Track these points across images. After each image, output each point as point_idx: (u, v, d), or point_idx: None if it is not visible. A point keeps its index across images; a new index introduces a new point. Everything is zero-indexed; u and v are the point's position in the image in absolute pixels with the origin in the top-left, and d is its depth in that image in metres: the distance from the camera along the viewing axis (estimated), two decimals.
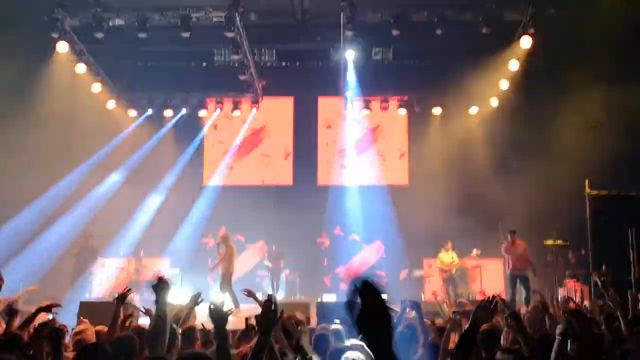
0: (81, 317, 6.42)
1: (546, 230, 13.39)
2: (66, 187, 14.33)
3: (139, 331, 4.62)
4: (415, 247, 15.28)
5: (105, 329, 5.30)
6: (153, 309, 3.84)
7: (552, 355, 3.91)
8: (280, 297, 14.08)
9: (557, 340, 3.97)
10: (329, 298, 12.89)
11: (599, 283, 11.23)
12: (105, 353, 3.35)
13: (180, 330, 4.77)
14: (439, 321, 6.33)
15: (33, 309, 6.06)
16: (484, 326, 4.47)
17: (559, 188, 13.74)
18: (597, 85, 12.55)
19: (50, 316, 5.10)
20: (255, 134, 17.33)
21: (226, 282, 12.23)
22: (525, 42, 13.06)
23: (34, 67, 13.01)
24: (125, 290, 5.33)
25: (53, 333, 3.75)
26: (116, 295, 5.28)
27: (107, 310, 6.21)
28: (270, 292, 12.88)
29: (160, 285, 3.68)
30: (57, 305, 4.90)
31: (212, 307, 3.29)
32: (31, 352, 3.82)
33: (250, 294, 6.22)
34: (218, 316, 3.24)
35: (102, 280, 14.39)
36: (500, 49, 13.98)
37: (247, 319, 4.66)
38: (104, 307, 7.91)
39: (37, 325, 4.05)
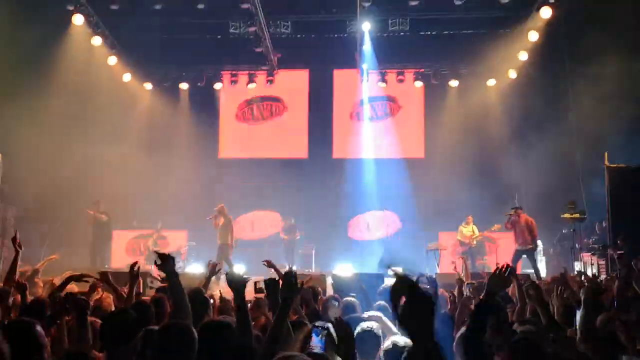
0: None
1: (563, 203, 13.30)
2: (81, 158, 14.43)
3: (158, 300, 4.67)
4: (431, 221, 15.28)
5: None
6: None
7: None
8: (295, 269, 14.19)
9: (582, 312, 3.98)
10: (344, 271, 12.95)
11: (615, 257, 11.24)
12: (131, 318, 3.40)
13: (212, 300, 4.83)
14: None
15: (52, 278, 6.18)
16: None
17: (576, 160, 13.65)
18: (617, 55, 12.33)
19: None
20: (271, 107, 17.29)
21: (223, 253, 12.45)
22: (545, 12, 12.84)
23: (51, 39, 13.04)
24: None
25: (79, 304, 3.77)
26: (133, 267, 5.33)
27: (126, 280, 6.31)
28: (285, 265, 13.04)
29: (163, 262, 3.59)
30: (89, 276, 4.91)
31: (228, 274, 3.35)
32: (56, 321, 3.85)
33: (270, 264, 6.26)
34: (236, 282, 3.30)
35: (121, 251, 14.62)
36: (519, 20, 13.76)
37: (255, 283, 4.70)
38: (123, 277, 8.01)
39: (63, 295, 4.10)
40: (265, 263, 6.43)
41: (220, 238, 12.80)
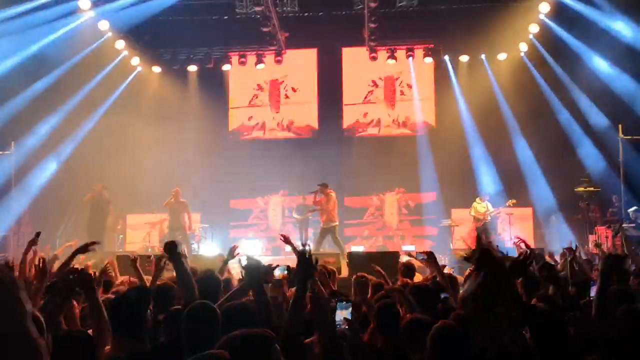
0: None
1: (577, 175, 13.25)
2: (93, 144, 14.48)
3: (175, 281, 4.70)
4: (443, 198, 15.29)
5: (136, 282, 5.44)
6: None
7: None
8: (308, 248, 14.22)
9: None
10: (358, 248, 13.00)
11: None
12: (148, 297, 3.41)
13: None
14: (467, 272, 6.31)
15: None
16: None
17: (590, 133, 13.54)
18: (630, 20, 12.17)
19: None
20: (280, 86, 17.20)
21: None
22: None
23: (57, 22, 13.00)
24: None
25: (83, 279, 3.45)
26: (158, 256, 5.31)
27: (142, 264, 6.36)
28: (299, 245, 13.07)
29: (172, 251, 3.77)
30: (96, 243, 4.61)
31: (247, 259, 3.38)
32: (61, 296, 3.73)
33: (286, 240, 6.20)
34: (254, 266, 3.33)
35: (136, 235, 14.71)
36: None
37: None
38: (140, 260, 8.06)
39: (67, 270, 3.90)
40: (281, 238, 6.36)
41: (176, 221, 13.12)
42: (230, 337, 2.37)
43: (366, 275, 5.51)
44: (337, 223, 12.12)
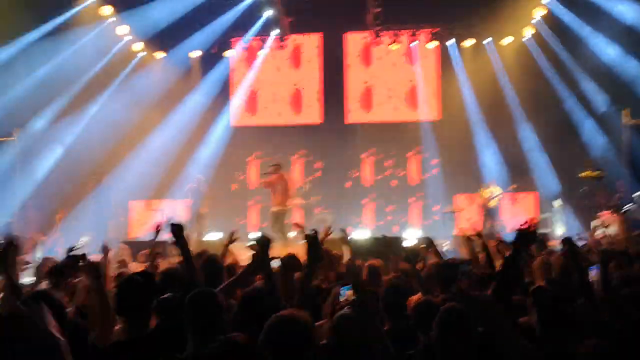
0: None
1: (581, 161, 13.21)
2: (95, 129, 14.48)
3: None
4: (446, 183, 15.27)
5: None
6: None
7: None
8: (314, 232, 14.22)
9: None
10: (362, 234, 13.01)
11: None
12: (140, 284, 3.42)
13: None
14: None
15: None
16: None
17: (595, 118, 13.47)
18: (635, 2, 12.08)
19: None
20: (283, 72, 17.11)
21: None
22: None
23: (60, 9, 12.96)
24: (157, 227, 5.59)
25: (90, 265, 3.48)
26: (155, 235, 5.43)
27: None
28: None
29: (177, 231, 3.77)
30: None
31: (256, 237, 3.44)
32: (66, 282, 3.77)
33: (298, 226, 6.40)
34: (262, 243, 3.39)
35: (137, 222, 14.77)
36: None
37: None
38: (144, 246, 8.12)
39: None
40: (294, 226, 6.55)
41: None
42: (275, 320, 2.43)
43: (358, 261, 5.53)
44: (288, 208, 11.64)
